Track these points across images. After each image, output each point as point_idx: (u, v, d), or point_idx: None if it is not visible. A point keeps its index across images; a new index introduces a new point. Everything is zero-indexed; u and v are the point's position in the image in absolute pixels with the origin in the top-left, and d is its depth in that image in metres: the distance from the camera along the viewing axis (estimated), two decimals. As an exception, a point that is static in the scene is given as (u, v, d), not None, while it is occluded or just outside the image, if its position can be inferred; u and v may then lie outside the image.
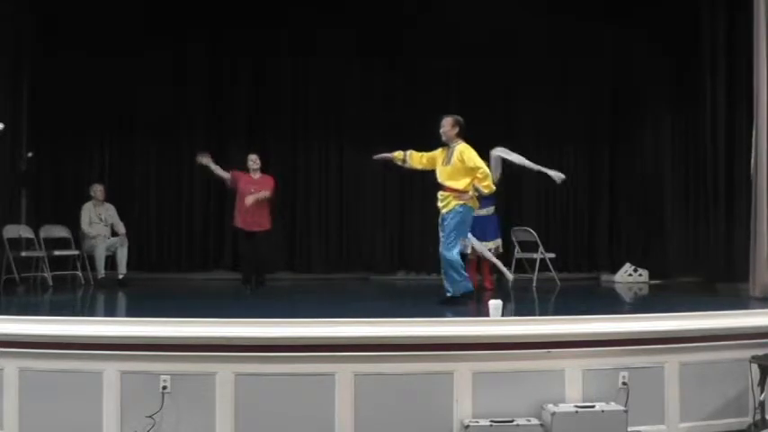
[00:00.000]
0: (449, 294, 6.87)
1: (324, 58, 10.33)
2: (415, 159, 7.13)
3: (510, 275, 8.85)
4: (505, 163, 8.13)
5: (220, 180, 9.16)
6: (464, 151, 6.80)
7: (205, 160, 9.03)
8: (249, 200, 8.72)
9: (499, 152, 8.07)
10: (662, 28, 9.72)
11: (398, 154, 7.19)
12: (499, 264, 8.69)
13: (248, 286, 8.80)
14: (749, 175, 7.75)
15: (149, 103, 10.32)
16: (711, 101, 8.86)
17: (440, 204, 6.90)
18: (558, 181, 7.98)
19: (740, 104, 8.50)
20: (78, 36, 9.80)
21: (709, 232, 9.05)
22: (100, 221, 9.26)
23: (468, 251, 8.41)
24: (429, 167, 7.11)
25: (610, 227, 10.73)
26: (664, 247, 10.02)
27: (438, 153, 7.01)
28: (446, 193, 6.84)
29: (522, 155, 8.08)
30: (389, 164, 7.47)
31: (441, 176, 6.93)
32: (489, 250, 8.52)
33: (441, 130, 6.91)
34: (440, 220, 6.93)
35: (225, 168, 9.06)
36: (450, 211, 6.79)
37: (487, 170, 6.85)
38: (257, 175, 8.97)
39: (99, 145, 10.46)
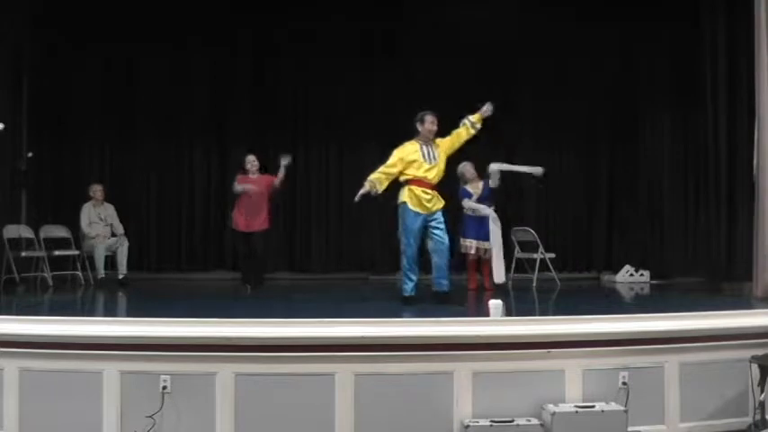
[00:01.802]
0: (444, 291, 6.93)
1: (324, 58, 10.32)
2: (384, 183, 6.97)
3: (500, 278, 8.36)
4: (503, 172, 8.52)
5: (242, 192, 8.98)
6: (440, 145, 7.02)
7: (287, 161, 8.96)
8: (239, 188, 8.79)
9: (497, 166, 8.47)
10: (662, 28, 9.72)
11: (369, 185, 6.98)
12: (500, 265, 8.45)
13: (248, 286, 8.81)
14: (751, 174, 7.73)
15: (149, 103, 10.34)
16: (712, 100, 8.84)
17: (427, 204, 6.87)
18: (538, 174, 8.59)
19: (740, 104, 8.48)
20: (78, 36, 9.81)
21: (710, 232, 9.02)
22: (100, 221, 9.26)
23: (472, 251, 8.40)
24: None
25: (609, 227, 10.72)
26: (664, 248, 10.02)
27: (409, 153, 6.93)
28: (435, 192, 6.92)
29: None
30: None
31: (429, 174, 6.90)
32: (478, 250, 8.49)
33: (434, 127, 6.97)
34: (424, 219, 6.86)
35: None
36: (439, 209, 6.90)
37: None
38: (255, 176, 9.00)
39: (99, 145, 10.46)
